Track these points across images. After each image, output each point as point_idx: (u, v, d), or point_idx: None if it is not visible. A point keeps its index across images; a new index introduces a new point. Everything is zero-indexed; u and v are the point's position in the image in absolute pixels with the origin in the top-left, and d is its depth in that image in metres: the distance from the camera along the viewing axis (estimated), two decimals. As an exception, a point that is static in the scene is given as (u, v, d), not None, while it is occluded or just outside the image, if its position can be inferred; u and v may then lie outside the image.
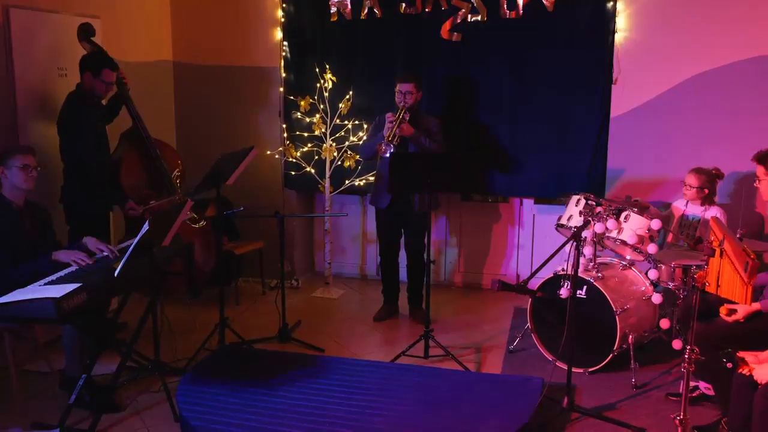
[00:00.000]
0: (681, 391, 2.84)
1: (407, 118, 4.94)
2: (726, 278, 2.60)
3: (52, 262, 3.80)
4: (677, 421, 2.81)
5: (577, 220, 4.47)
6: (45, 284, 3.50)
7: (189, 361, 4.48)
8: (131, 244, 3.62)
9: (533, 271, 3.65)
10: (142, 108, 5.08)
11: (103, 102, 4.90)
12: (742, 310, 3.50)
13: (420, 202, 5.01)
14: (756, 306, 3.50)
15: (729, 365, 3.04)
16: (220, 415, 3.64)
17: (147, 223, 3.58)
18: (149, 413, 3.92)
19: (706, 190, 4.59)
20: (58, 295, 3.25)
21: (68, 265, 3.78)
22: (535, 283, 4.70)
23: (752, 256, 2.42)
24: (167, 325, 4.49)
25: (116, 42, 5.20)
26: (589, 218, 4.21)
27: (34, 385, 4.23)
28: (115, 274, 3.57)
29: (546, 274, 4.49)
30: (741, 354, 3.08)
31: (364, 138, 5.64)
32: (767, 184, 3.61)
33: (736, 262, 2.51)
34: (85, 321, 3.90)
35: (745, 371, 3.03)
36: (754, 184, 3.70)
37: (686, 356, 2.74)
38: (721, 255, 2.59)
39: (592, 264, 4.52)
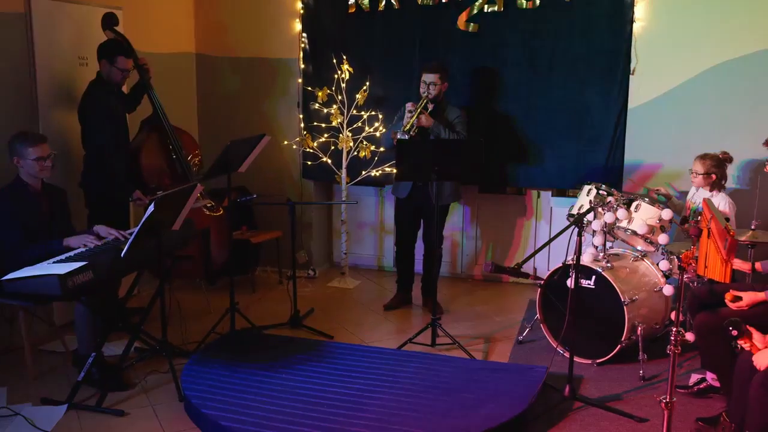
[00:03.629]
0: (669, 376, 2.78)
1: (430, 109, 4.92)
2: (711, 258, 2.55)
3: (64, 248, 3.89)
4: (663, 405, 2.76)
5: (588, 210, 4.42)
6: (53, 263, 3.60)
7: (198, 345, 4.55)
8: (138, 226, 3.71)
9: (530, 254, 3.63)
10: (164, 98, 5.17)
11: (124, 90, 5.01)
12: (747, 299, 3.43)
13: (438, 192, 4.97)
14: (761, 296, 3.43)
15: (734, 332, 2.93)
16: (221, 395, 3.70)
17: (152, 205, 3.64)
18: (155, 392, 4.00)
19: (714, 176, 4.45)
20: (62, 272, 3.36)
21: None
22: (546, 274, 4.67)
23: (732, 233, 2.37)
24: (177, 309, 4.58)
25: (138, 33, 5.29)
26: (596, 204, 4.16)
27: (49, 364, 4.35)
28: (122, 255, 3.66)
29: (558, 263, 4.46)
30: (749, 327, 2.99)
31: (382, 129, 5.68)
32: None
33: (718, 240, 2.46)
34: (94, 300, 4.01)
35: (747, 345, 2.94)
36: (765, 169, 3.60)
37: (672, 338, 2.69)
38: (708, 235, 2.54)
39: (602, 254, 4.46)
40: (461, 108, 5.19)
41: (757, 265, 3.79)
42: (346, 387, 3.82)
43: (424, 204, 5.12)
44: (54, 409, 3.78)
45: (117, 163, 4.76)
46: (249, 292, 5.78)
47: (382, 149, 5.67)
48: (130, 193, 4.96)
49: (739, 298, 3.46)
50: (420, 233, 5.38)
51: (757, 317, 3.35)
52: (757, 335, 2.99)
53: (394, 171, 5.32)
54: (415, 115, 4.86)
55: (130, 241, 3.66)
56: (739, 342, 2.94)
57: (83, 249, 3.83)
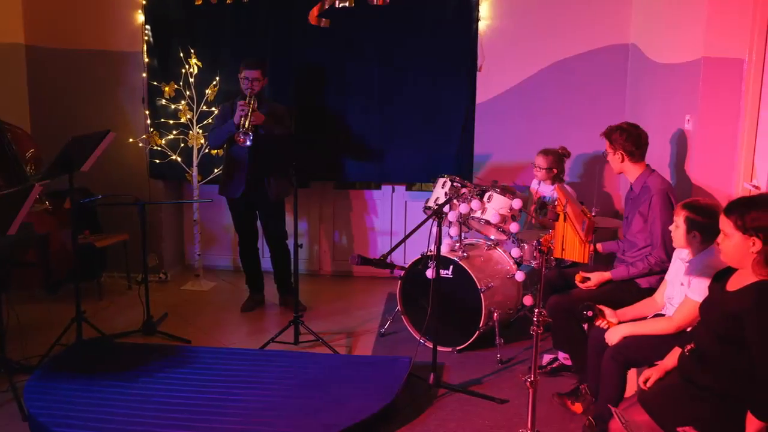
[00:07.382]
0: (533, 356, 2.91)
1: (256, 106, 4.84)
2: (569, 241, 2.69)
3: None
4: (528, 383, 2.88)
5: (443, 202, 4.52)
6: None
7: (42, 359, 4.19)
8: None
9: (393, 246, 3.67)
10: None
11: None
12: (595, 279, 3.67)
13: (276, 189, 4.94)
14: (607, 275, 3.68)
15: (589, 313, 3.16)
16: (71, 410, 3.43)
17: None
18: (-6, 414, 3.65)
19: (555, 170, 4.75)
20: None
21: None
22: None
23: (589, 215, 2.51)
24: (16, 322, 4.21)
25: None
26: (452, 196, 4.28)
27: None
28: (-51, 264, 3.31)
29: (415, 255, 4.55)
30: (601, 306, 3.23)
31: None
32: (611, 157, 3.81)
33: (575, 223, 2.60)
34: None
35: (603, 324, 3.17)
36: (607, 158, 3.88)
37: (535, 319, 2.81)
38: (564, 219, 2.68)
39: (458, 245, 4.59)
40: (283, 104, 5.18)
41: (599, 246, 4.08)
42: (207, 391, 3.68)
43: (259, 201, 5.05)
44: None
45: None
46: (96, 299, 5.42)
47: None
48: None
49: (588, 279, 3.70)
50: (261, 231, 5.29)
51: (605, 295, 3.59)
52: (608, 311, 3.22)
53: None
54: (250, 113, 4.76)
55: (-42, 248, 3.31)
56: (595, 323, 3.15)
57: None
